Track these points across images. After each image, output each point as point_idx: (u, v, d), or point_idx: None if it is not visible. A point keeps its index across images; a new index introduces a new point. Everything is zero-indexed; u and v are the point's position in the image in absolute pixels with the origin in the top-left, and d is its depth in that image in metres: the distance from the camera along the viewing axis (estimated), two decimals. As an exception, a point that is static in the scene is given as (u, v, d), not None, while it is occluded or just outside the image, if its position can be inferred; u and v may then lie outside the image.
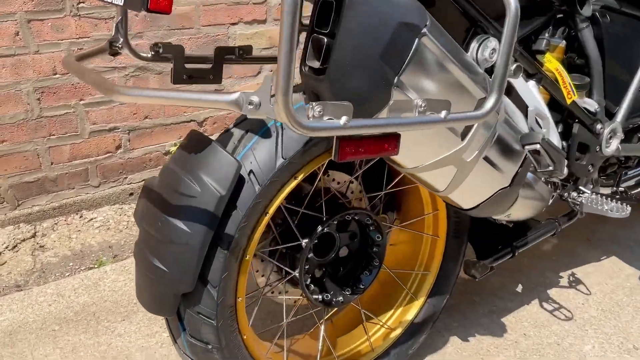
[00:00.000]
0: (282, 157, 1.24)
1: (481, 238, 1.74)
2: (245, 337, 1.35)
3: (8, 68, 2.02)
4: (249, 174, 1.22)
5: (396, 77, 1.06)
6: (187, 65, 1.45)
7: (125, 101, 0.96)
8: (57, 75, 2.12)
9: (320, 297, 1.48)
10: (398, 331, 1.67)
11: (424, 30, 1.06)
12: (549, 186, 1.73)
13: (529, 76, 1.47)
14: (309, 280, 1.45)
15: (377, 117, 1.02)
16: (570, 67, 1.64)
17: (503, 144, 1.32)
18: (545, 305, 2.12)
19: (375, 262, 1.56)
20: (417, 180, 1.30)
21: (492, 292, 2.16)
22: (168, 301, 1.22)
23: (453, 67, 1.14)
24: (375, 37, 1.02)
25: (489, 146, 1.28)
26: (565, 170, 1.39)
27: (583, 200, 1.69)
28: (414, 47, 1.06)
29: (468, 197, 1.37)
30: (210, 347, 1.29)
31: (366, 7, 0.99)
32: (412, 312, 1.69)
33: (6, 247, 2.15)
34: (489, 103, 1.08)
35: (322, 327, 1.57)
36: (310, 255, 1.43)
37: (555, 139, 1.40)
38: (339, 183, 1.57)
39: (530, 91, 1.39)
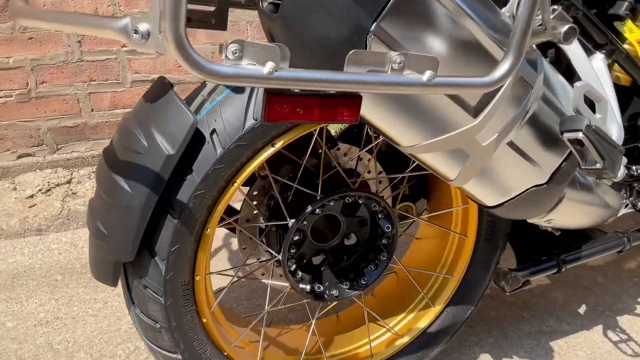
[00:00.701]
0: (254, 118, 1.03)
1: (523, 243, 1.44)
2: (204, 320, 1.18)
3: (48, 6, 1.97)
4: (211, 134, 1.03)
5: (373, 23, 0.81)
6: (184, 6, 1.27)
7: (21, 23, 0.80)
8: (101, 19, 2.03)
9: (308, 287, 1.27)
10: (405, 339, 1.43)
11: (419, -38, 0.80)
12: (622, 191, 1.38)
13: (597, 47, 1.15)
14: (294, 266, 1.25)
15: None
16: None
17: (539, 129, 1.02)
18: (610, 334, 1.77)
19: (383, 256, 1.32)
20: (422, 163, 1.04)
21: (548, 309, 1.83)
22: (109, 269, 1.07)
23: (468, 21, 0.87)
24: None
25: (517, 129, 1.00)
26: (622, 172, 1.07)
27: (661, 215, 1.33)
28: (402, -16, 0.80)
29: (488, 191, 1.08)
30: (158, 326, 1.14)
31: None
32: (425, 319, 1.43)
33: (39, 190, 2.13)
34: (501, 69, 0.81)
35: (314, 323, 1.36)
36: (297, 237, 1.22)
37: (615, 129, 1.07)
38: (352, 159, 1.34)
39: (587, 64, 1.06)
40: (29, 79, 2.04)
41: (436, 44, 0.87)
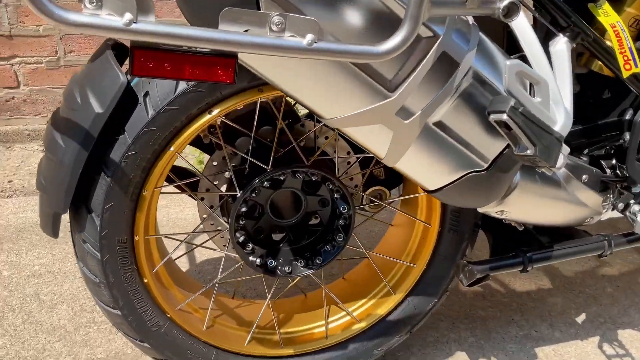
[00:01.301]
0: (187, 82, 1.05)
1: (495, 236, 1.37)
2: (145, 280, 1.21)
3: None
4: (144, 96, 1.06)
5: (264, -16, 0.80)
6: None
7: None
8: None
9: (258, 260, 1.27)
10: (362, 324, 1.40)
11: None
12: (607, 191, 1.29)
13: (561, 30, 1.07)
14: (242, 238, 1.25)
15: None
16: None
17: (472, 110, 0.96)
18: (606, 347, 1.65)
19: (340, 237, 1.30)
20: (350, 139, 1.01)
21: (542, 314, 1.74)
22: (49, 220, 1.13)
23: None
24: None
25: (445, 109, 0.95)
26: (562, 161, 0.98)
27: (641, 218, 1.23)
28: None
29: (423, 174, 1.04)
30: (97, 280, 1.18)
31: None
32: (384, 307, 1.40)
33: (65, 154, 2.25)
34: (394, 40, 0.77)
35: (268, 298, 1.36)
36: (244, 209, 1.22)
37: (560, 116, 0.98)
38: (326, 138, 1.32)
39: (536, 44, 0.99)
40: (57, 48, 2.15)
41: (340, 8, 0.84)
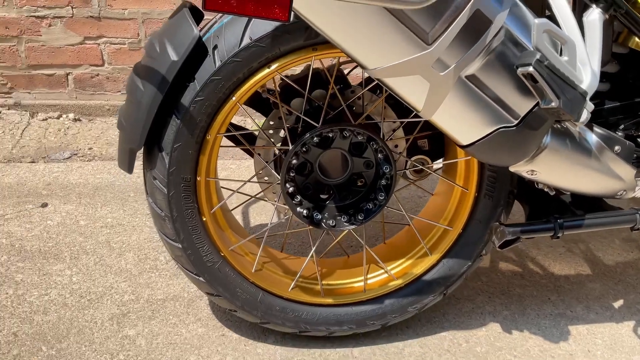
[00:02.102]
0: (250, 38, 1.19)
1: (530, 203, 1.44)
2: (204, 219, 1.35)
3: None
4: (213, 49, 1.21)
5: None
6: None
7: None
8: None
9: (305, 212, 1.40)
10: (399, 282, 1.49)
11: None
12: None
13: (595, 1, 1.15)
14: (292, 189, 1.38)
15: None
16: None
17: (503, 66, 1.06)
18: (642, 332, 1.67)
19: (381, 196, 1.41)
20: (391, 91, 1.12)
21: (579, 297, 1.77)
22: (125, 156, 1.29)
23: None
24: None
25: (478, 63, 1.05)
26: (585, 117, 1.06)
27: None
28: None
29: (457, 127, 1.14)
30: (162, 214, 1.33)
31: None
32: (421, 266, 1.49)
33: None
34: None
35: (313, 249, 1.48)
36: (295, 161, 1.35)
37: (587, 75, 1.06)
38: (360, 99, 1.44)
39: (567, 11, 1.07)
40: (139, 30, 2.37)
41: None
